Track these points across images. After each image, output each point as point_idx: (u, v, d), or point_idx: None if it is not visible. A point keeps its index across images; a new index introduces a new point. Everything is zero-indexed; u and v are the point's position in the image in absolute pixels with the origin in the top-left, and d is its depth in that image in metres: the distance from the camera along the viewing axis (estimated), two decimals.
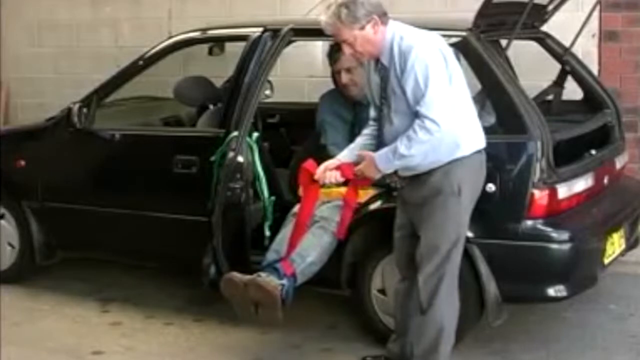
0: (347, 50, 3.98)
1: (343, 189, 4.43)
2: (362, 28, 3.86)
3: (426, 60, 3.76)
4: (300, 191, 4.40)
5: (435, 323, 3.97)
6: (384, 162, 3.87)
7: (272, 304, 4.25)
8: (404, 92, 3.80)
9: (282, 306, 4.27)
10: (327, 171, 4.08)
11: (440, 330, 3.98)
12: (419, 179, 3.92)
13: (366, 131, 4.13)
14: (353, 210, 4.42)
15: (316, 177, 4.12)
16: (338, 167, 4.07)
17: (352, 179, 4.11)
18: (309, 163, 4.21)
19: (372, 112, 4.08)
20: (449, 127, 3.72)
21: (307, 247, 4.45)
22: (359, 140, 4.14)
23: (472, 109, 3.98)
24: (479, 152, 3.95)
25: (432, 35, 3.93)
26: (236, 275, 4.37)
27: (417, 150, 3.75)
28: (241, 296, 4.33)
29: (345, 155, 4.12)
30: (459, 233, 3.94)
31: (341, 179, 4.10)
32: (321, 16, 3.94)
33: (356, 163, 4.03)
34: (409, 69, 3.77)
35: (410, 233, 4.04)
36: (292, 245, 4.42)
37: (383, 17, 3.89)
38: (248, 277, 4.33)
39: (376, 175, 3.98)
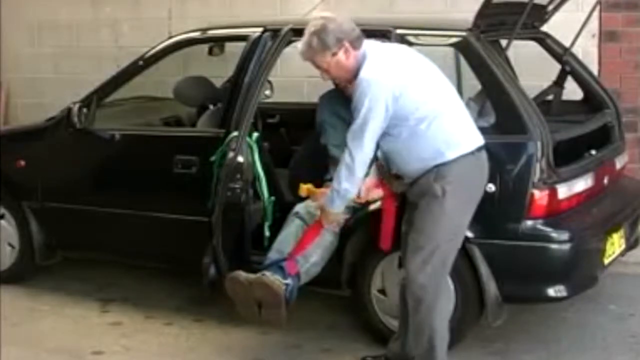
0: (324, 76, 4.13)
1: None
2: (334, 55, 3.97)
3: (365, 96, 3.85)
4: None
5: (426, 324, 3.98)
6: (330, 203, 4.14)
7: (277, 303, 4.25)
8: None
9: (286, 305, 4.28)
10: (369, 191, 4.23)
11: (432, 333, 3.98)
12: (414, 181, 3.98)
13: None
14: (394, 218, 4.34)
15: (362, 198, 4.24)
16: (377, 185, 4.22)
17: (386, 189, 4.20)
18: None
19: None
20: (360, 166, 3.92)
21: (310, 248, 4.44)
22: None
23: (461, 115, 4.01)
24: (471, 153, 3.95)
25: (393, 65, 3.96)
26: (241, 273, 4.36)
27: (345, 185, 4.00)
28: (245, 295, 4.33)
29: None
30: (443, 235, 3.93)
31: (382, 193, 4.22)
32: (298, 44, 4.07)
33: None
34: (354, 97, 3.89)
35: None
36: (302, 246, 4.41)
37: (356, 41, 3.98)
38: (253, 275, 4.33)
39: (335, 216, 4.22)
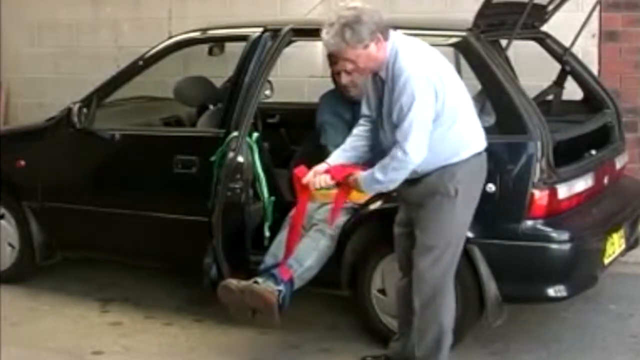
0: (349, 66, 4.01)
1: None
2: (367, 47, 3.82)
3: (413, 91, 3.73)
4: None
5: (435, 324, 3.98)
6: (365, 184, 3.96)
7: (269, 311, 4.26)
8: (392, 109, 3.82)
9: (279, 311, 4.28)
10: (317, 175, 4.06)
11: (440, 332, 3.98)
12: (417, 179, 3.93)
13: (355, 131, 4.11)
14: (339, 211, 4.37)
15: (304, 181, 4.09)
16: (327, 171, 4.06)
17: (342, 182, 4.07)
18: (299, 169, 4.17)
19: (364, 109, 4.07)
20: (417, 158, 3.76)
21: (305, 252, 4.44)
22: (349, 140, 4.13)
23: (472, 115, 3.99)
24: (478, 154, 3.96)
25: (427, 56, 3.88)
26: (232, 282, 4.39)
27: (391, 177, 3.84)
28: (237, 302, 4.35)
29: (336, 157, 4.11)
30: (453, 234, 3.94)
31: (331, 182, 4.08)
32: (323, 34, 3.86)
33: (348, 165, 4.05)
34: (397, 93, 3.77)
35: (409, 231, 4.05)
36: (288, 249, 4.41)
37: (385, 32, 3.85)
38: (244, 283, 4.34)
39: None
